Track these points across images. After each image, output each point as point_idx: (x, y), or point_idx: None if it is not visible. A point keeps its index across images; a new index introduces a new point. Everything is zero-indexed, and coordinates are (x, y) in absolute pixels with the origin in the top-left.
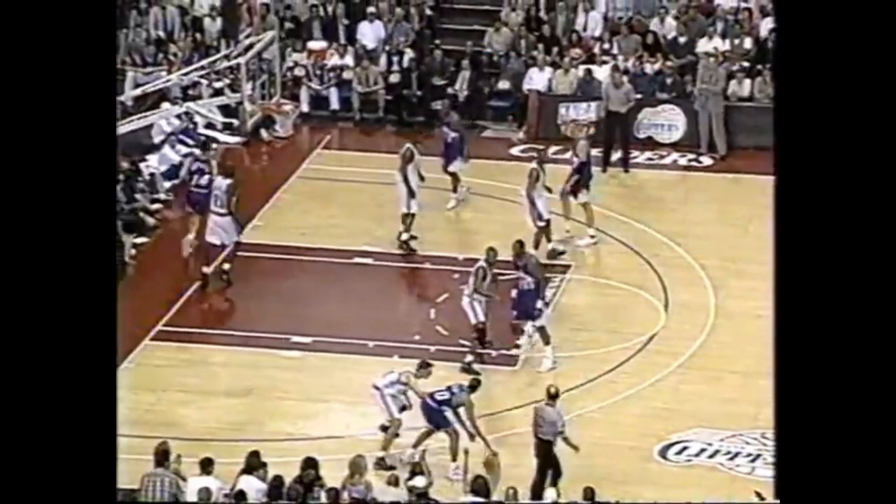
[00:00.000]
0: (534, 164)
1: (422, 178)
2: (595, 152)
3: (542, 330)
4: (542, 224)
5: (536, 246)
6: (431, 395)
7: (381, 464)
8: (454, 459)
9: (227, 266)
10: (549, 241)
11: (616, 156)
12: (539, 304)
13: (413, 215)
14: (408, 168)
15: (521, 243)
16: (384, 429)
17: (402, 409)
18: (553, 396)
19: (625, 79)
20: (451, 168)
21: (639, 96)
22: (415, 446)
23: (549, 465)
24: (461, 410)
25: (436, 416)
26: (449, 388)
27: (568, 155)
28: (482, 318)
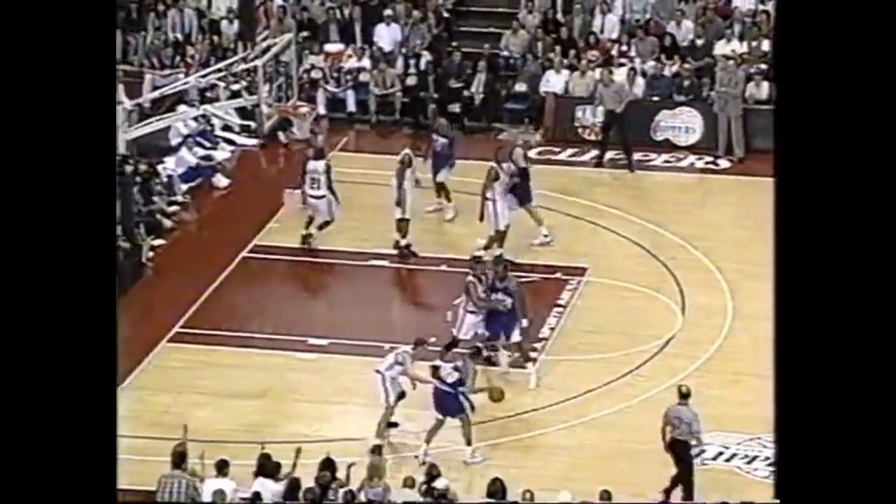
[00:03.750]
0: (492, 164)
1: (417, 183)
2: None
3: (519, 346)
4: (500, 230)
5: (487, 248)
6: (441, 381)
7: (376, 451)
8: (469, 444)
9: (314, 231)
10: (500, 246)
11: (611, 155)
12: (517, 324)
13: (408, 220)
14: (405, 173)
15: (505, 266)
16: (393, 425)
17: (400, 396)
18: (685, 395)
19: (616, 77)
20: (439, 178)
21: (638, 95)
22: (427, 441)
23: (683, 469)
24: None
25: (451, 403)
26: (455, 367)
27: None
28: (465, 331)
